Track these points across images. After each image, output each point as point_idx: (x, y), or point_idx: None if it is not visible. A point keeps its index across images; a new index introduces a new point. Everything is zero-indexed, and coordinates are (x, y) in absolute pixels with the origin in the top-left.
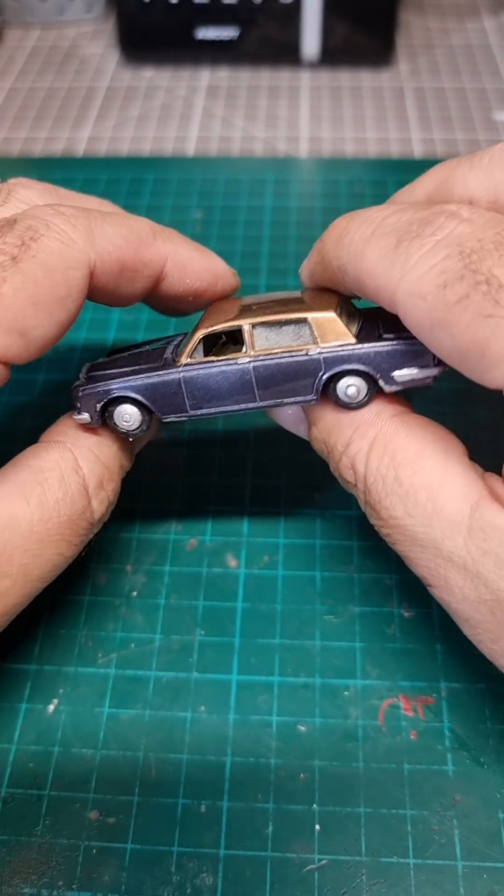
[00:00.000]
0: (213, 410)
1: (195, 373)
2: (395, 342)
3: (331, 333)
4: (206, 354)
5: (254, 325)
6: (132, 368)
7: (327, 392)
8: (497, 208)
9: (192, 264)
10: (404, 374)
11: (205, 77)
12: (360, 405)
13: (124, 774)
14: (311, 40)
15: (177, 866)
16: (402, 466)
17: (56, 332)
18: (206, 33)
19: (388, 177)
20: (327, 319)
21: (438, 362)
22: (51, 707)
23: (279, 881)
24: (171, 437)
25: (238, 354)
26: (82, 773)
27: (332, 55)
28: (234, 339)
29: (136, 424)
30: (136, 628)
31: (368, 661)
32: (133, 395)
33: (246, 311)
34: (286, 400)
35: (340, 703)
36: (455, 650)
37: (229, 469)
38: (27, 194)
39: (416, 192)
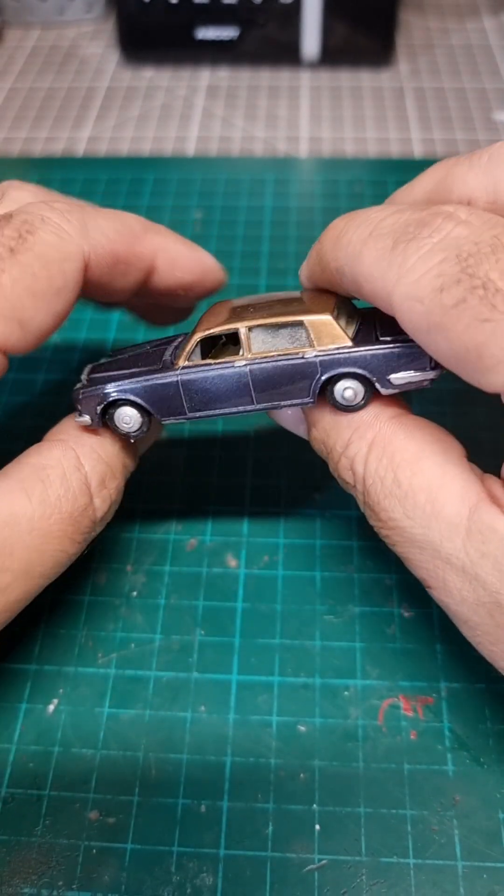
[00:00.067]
0: (210, 413)
1: (193, 376)
2: (392, 345)
3: (327, 336)
4: (205, 356)
5: (250, 328)
6: (132, 371)
7: (324, 394)
8: (496, 207)
9: (181, 258)
10: (401, 377)
11: (205, 77)
12: (357, 408)
13: (124, 774)
14: (311, 40)
15: (177, 866)
16: (400, 468)
17: (53, 322)
18: (206, 33)
19: (388, 177)
20: (323, 322)
21: (436, 365)
22: (51, 707)
23: (279, 881)
24: (171, 437)
25: (235, 357)
26: (82, 773)
27: (332, 55)
28: (233, 340)
29: (137, 426)
30: (136, 628)
31: (368, 661)
32: (132, 397)
33: (244, 313)
34: (283, 402)
35: (340, 703)
36: (455, 650)
37: (229, 469)
38: (20, 195)
39: (415, 191)
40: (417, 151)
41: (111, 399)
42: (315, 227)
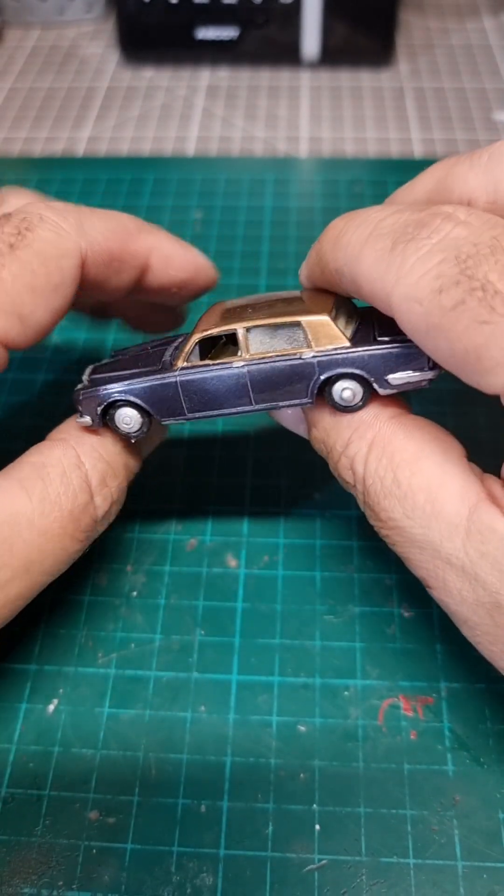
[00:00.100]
0: (209, 413)
1: (191, 377)
2: (390, 345)
3: (325, 337)
4: (206, 356)
5: (248, 329)
6: (132, 371)
7: (323, 395)
8: (496, 207)
9: (174, 255)
10: (399, 377)
11: (205, 77)
12: (355, 408)
13: (124, 774)
14: (311, 40)
15: (177, 866)
16: (400, 468)
17: (52, 318)
18: (206, 33)
19: (388, 177)
20: (321, 323)
21: (434, 365)
22: (51, 707)
23: (279, 881)
24: (172, 438)
25: (233, 358)
26: (82, 773)
27: (332, 55)
28: (233, 340)
29: (137, 427)
30: (136, 628)
31: (368, 661)
32: (131, 398)
33: (243, 313)
34: (281, 403)
35: (340, 703)
36: (455, 650)
37: (229, 469)
38: (19, 200)
39: (415, 190)
40: (417, 151)
41: (111, 400)
42: (315, 227)
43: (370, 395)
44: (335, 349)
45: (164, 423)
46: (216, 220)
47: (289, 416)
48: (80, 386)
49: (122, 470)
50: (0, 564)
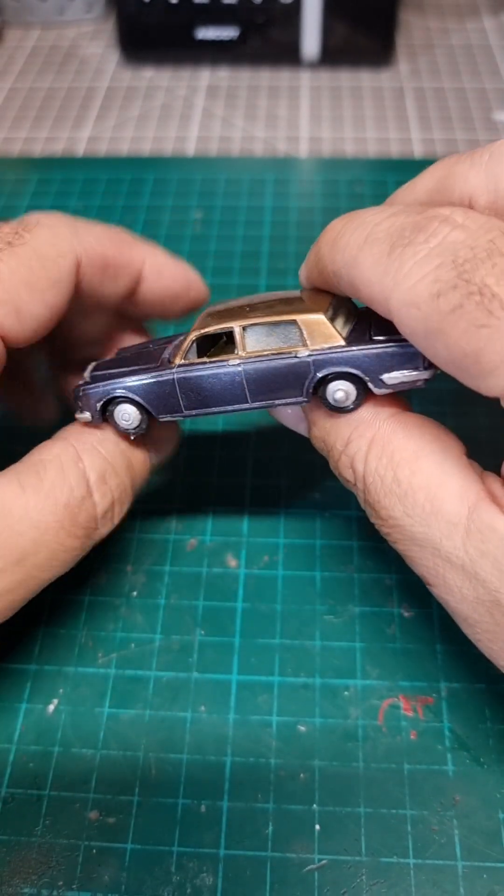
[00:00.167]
0: (207, 411)
1: (188, 374)
2: (384, 345)
3: (320, 336)
4: (205, 354)
5: (244, 327)
6: (131, 368)
7: (318, 394)
8: (497, 206)
9: (167, 268)
10: (394, 376)
11: (205, 77)
12: (347, 410)
13: (124, 774)
14: (311, 40)
15: (177, 866)
16: (400, 466)
17: (48, 315)
18: (206, 33)
19: (388, 177)
20: (316, 321)
21: (429, 365)
22: (51, 707)
23: (279, 881)
24: None
25: (229, 356)
26: (82, 773)
27: (332, 55)
28: (232, 339)
29: (136, 423)
30: (136, 628)
31: (368, 661)
32: (130, 395)
33: (241, 312)
34: (277, 401)
35: (340, 703)
36: (455, 650)
37: (229, 469)
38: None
39: (416, 189)
40: (417, 151)
41: (110, 396)
42: (315, 227)
43: (364, 397)
44: (330, 348)
45: (161, 420)
46: (216, 220)
47: (289, 415)
48: (80, 382)
49: (123, 469)
50: None
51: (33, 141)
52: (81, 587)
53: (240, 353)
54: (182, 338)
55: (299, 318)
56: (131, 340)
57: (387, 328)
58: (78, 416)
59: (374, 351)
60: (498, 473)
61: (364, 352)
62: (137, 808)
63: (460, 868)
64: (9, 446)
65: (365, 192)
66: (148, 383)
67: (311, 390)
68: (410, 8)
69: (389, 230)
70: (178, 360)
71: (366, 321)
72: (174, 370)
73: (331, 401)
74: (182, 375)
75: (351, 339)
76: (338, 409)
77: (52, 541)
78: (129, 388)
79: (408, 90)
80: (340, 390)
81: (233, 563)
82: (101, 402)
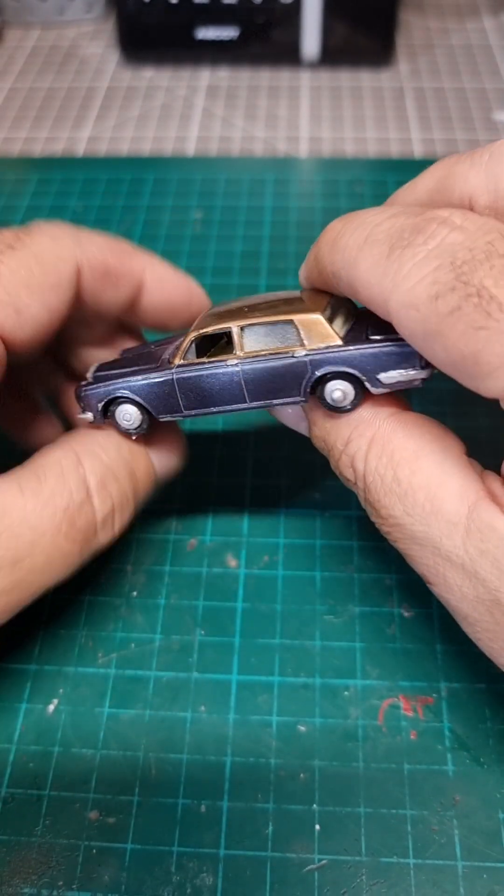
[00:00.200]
0: (205, 410)
1: (187, 374)
2: (381, 344)
3: (317, 335)
4: (205, 355)
5: (242, 328)
6: (132, 369)
7: (317, 394)
8: (497, 206)
9: (169, 279)
10: (391, 376)
11: (205, 77)
12: (345, 410)
13: (124, 774)
14: (311, 40)
15: (177, 866)
16: (400, 466)
17: (48, 318)
18: (206, 33)
19: (388, 177)
20: (313, 321)
21: (426, 364)
22: (51, 707)
23: (279, 881)
24: None
25: (227, 356)
26: (82, 773)
27: (332, 55)
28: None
29: (136, 423)
30: (136, 628)
31: (368, 661)
32: (130, 395)
33: (240, 312)
34: (275, 401)
35: (340, 703)
36: (455, 650)
37: (229, 468)
38: None
39: (417, 189)
40: (417, 151)
41: (111, 396)
42: (315, 227)
43: (363, 397)
44: (327, 347)
45: (161, 419)
46: (216, 220)
47: (289, 415)
48: (83, 382)
49: (125, 477)
50: None
51: (33, 141)
52: (81, 587)
53: (238, 353)
54: (182, 338)
55: (296, 317)
56: None
57: (384, 328)
58: (80, 416)
59: (371, 350)
60: (498, 472)
61: (360, 351)
62: (137, 808)
63: (460, 868)
64: (9, 446)
65: (365, 192)
66: (148, 383)
67: (308, 390)
68: (410, 8)
69: (389, 231)
70: (177, 361)
71: (364, 321)
72: (173, 370)
73: (329, 400)
74: (181, 375)
75: (348, 339)
76: (336, 409)
77: (50, 544)
78: (129, 389)
79: (408, 90)
80: (338, 390)
81: (233, 562)
82: (103, 403)
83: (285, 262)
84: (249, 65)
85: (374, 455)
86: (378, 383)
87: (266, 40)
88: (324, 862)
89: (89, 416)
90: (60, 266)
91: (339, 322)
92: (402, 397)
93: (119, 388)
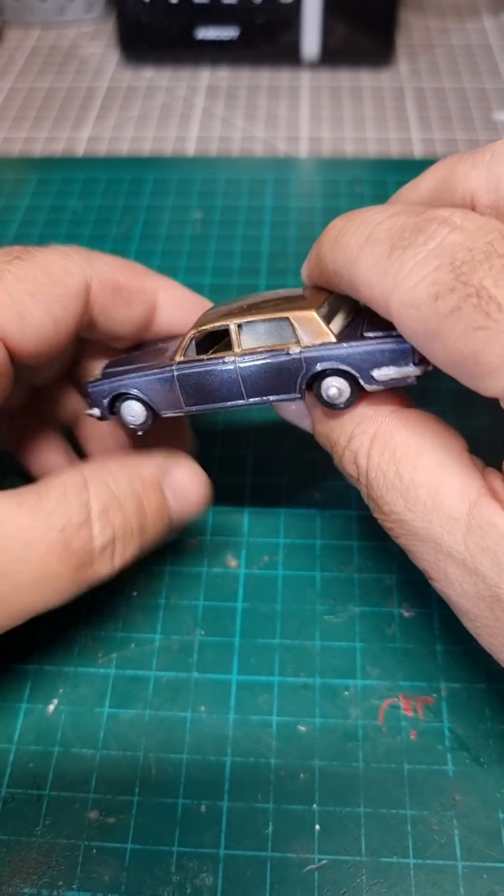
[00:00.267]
0: (206, 407)
1: (187, 371)
2: (375, 341)
3: (312, 332)
4: (207, 351)
5: (240, 325)
6: (138, 366)
7: (314, 391)
8: (499, 206)
9: (183, 299)
10: (385, 373)
11: (205, 77)
12: (341, 407)
13: (124, 774)
14: (311, 40)
15: (177, 866)
16: (402, 462)
17: (53, 328)
18: (206, 33)
19: (388, 177)
20: (308, 318)
21: (420, 361)
22: (51, 707)
23: (279, 881)
24: None
25: (225, 353)
26: (82, 773)
27: (332, 55)
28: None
29: (141, 420)
30: (136, 628)
31: (368, 661)
32: (133, 391)
33: (240, 310)
34: (272, 398)
35: (340, 703)
36: (455, 650)
37: (230, 467)
38: None
39: (419, 189)
40: (417, 151)
41: (116, 392)
42: (315, 227)
43: (359, 394)
44: (322, 344)
45: (163, 415)
46: (216, 220)
47: (293, 411)
48: (91, 379)
49: (132, 509)
50: None
51: (33, 141)
52: None
53: (235, 350)
54: (183, 336)
55: (291, 315)
56: None
57: (380, 325)
58: (88, 411)
59: (364, 347)
60: (499, 470)
61: (353, 348)
62: (137, 808)
63: (460, 868)
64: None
65: (365, 192)
66: (150, 380)
67: (303, 387)
68: (410, 8)
69: (390, 231)
70: (178, 358)
71: (363, 318)
72: (174, 367)
73: (325, 397)
74: (181, 372)
75: (343, 336)
76: (333, 406)
77: (40, 564)
78: (133, 385)
79: (408, 90)
80: (333, 387)
81: (233, 562)
82: (109, 399)
83: (285, 262)
84: (249, 65)
85: (376, 451)
86: (372, 380)
87: (266, 40)
88: (324, 862)
89: (96, 411)
90: (68, 279)
91: (337, 319)
92: (404, 394)
93: (124, 385)
